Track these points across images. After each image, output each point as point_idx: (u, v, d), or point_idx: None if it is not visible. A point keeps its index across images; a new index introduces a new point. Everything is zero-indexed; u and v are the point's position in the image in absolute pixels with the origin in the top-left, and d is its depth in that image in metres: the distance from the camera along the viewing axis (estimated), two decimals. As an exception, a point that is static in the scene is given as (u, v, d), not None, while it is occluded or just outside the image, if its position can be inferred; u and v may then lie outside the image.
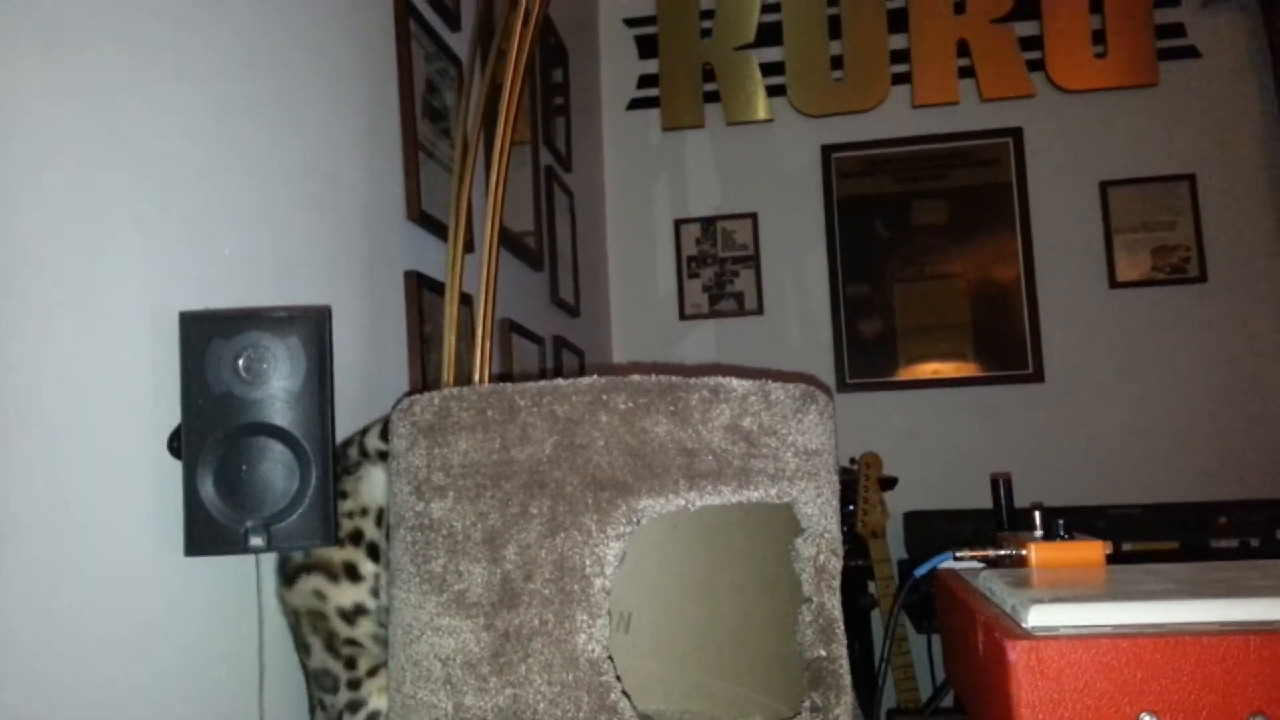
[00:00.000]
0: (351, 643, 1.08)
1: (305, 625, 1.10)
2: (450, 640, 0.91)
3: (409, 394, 1.09)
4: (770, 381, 0.99)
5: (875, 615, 2.79)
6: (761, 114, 3.41)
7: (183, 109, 1.11)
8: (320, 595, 1.09)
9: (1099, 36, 3.22)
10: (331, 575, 1.09)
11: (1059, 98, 3.26)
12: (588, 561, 0.89)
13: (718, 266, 3.41)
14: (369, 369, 1.52)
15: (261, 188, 1.26)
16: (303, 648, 1.11)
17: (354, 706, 1.06)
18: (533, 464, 0.91)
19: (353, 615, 1.09)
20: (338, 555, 1.10)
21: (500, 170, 1.45)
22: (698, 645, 1.17)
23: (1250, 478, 3.02)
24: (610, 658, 0.89)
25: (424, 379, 1.67)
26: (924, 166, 3.33)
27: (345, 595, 1.09)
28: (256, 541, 0.98)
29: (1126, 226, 3.21)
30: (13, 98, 0.86)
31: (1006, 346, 3.24)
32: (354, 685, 1.07)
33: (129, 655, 0.97)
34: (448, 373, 1.48)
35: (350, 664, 1.08)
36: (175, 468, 1.00)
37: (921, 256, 3.31)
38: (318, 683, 1.10)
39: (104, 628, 0.94)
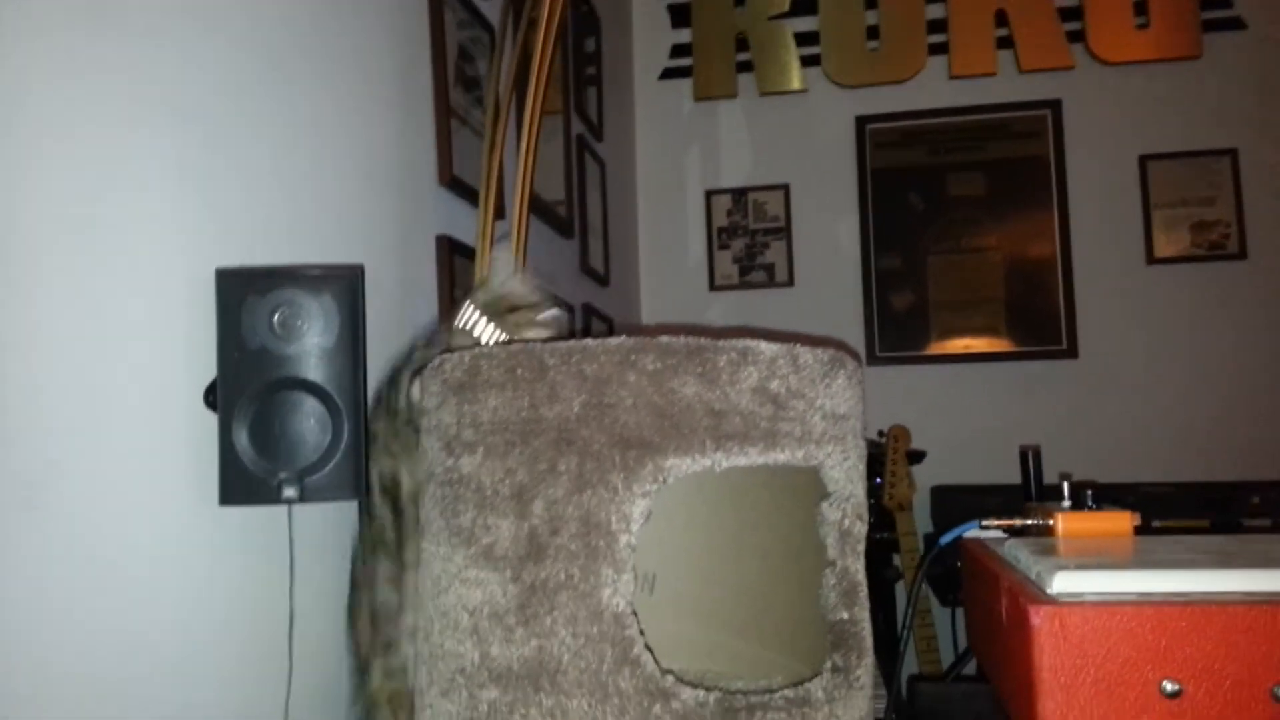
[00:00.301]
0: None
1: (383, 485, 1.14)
2: (478, 592, 0.93)
3: (440, 353, 1.10)
4: (799, 345, 0.99)
5: (900, 588, 2.79)
6: (795, 84, 3.37)
7: (220, 73, 1.12)
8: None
9: (1141, 7, 3.15)
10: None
11: (1099, 70, 3.19)
12: (613, 518, 0.90)
13: (748, 238, 3.39)
14: (401, 331, 1.53)
15: (297, 152, 1.27)
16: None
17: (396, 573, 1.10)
18: (561, 422, 0.92)
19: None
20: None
21: (530, 137, 1.45)
22: (722, 606, 1.18)
23: (1285, 458, 2.98)
24: (635, 614, 0.90)
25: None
26: (960, 138, 3.28)
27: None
28: (289, 493, 1.00)
29: (1165, 202, 3.16)
30: (46, 43, 0.88)
31: (1041, 322, 3.20)
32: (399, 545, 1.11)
33: (164, 601, 1.00)
34: (478, 336, 1.49)
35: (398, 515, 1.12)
36: (211, 420, 1.03)
37: (956, 229, 3.28)
38: (366, 542, 1.14)
39: (141, 574, 0.96)
